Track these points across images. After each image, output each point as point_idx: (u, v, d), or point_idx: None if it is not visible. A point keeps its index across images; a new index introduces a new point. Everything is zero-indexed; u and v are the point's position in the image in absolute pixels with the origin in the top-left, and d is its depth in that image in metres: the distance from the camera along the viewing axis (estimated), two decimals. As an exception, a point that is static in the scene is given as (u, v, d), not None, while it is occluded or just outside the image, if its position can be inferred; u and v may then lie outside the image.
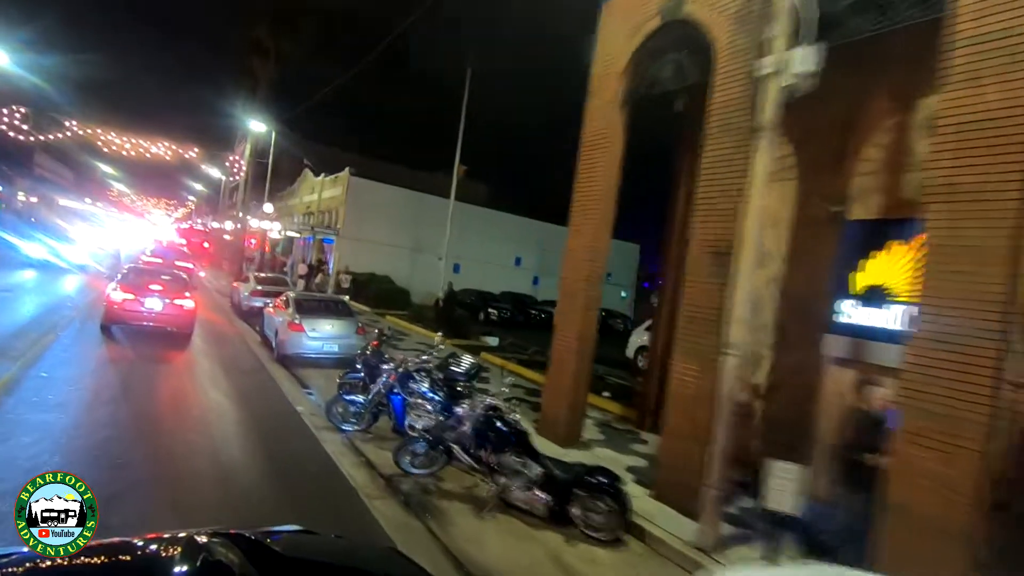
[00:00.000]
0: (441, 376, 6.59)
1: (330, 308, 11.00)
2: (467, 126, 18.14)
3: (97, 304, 13.26)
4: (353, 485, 5.20)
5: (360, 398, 6.71)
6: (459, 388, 6.85)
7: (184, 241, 40.83)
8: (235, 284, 17.82)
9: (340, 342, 10.28)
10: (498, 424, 5.23)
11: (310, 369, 9.94)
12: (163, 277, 10.93)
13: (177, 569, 1.37)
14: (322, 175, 29.35)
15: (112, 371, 7.93)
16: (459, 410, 5.50)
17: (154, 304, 10.03)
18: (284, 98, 27.33)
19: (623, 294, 35.86)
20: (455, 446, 5.58)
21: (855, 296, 6.08)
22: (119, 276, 10.85)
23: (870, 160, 6.26)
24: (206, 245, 44.54)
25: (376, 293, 21.18)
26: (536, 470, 5.04)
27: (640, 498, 5.43)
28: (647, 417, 8.34)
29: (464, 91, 17.17)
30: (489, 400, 5.42)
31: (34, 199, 44.69)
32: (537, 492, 4.96)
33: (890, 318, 5.73)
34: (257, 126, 25.55)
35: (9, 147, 25.23)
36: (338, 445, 6.35)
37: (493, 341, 16.57)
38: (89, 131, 23.45)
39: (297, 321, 10.03)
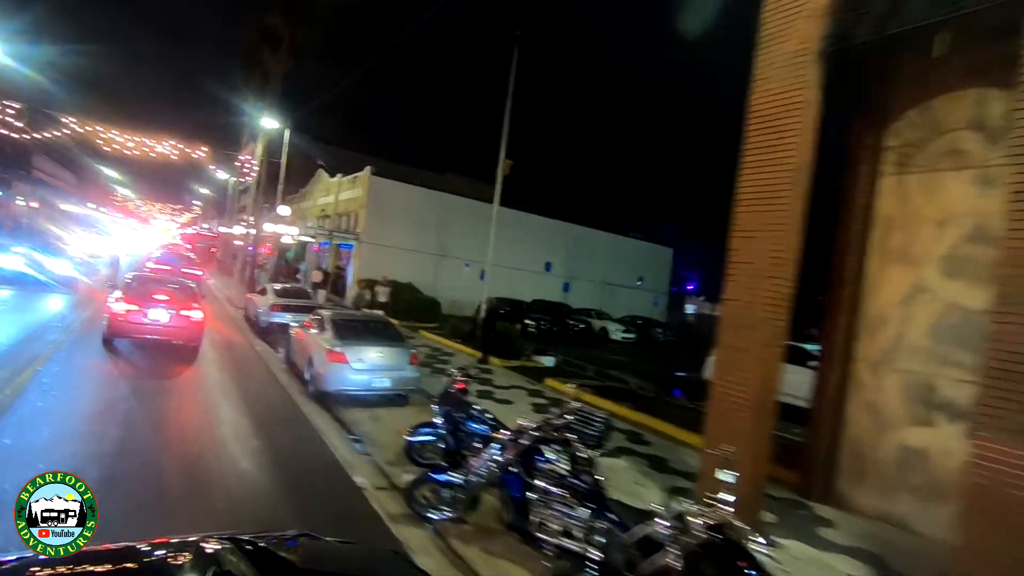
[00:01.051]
0: (585, 453, 4.51)
1: (375, 331, 8.98)
2: (480, 124, 16.14)
3: (92, 323, 11.32)
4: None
5: (457, 477, 4.66)
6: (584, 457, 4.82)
7: (191, 247, 38.99)
8: (250, 296, 15.83)
9: (391, 375, 8.25)
10: (733, 556, 3.18)
11: (354, 409, 7.92)
12: (169, 286, 10.22)
13: (177, 572, 1.40)
14: (338, 176, 27.40)
15: (101, 428, 5.90)
16: (664, 529, 3.43)
17: (160, 315, 9.17)
18: (297, 93, 25.41)
19: (655, 301, 33.75)
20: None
21: None
22: (122, 285, 10.02)
23: None
24: (213, 250, 42.80)
25: (405, 304, 19.15)
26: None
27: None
28: (815, 483, 6.26)
29: (508, 75, 15.17)
30: (716, 507, 3.34)
31: (34, 204, 42.92)
32: None
33: None
34: (269, 123, 23.61)
35: (4, 147, 23.41)
36: (434, 554, 4.32)
37: (549, 361, 14.53)
38: (89, 129, 21.55)
39: (338, 349, 8.01)
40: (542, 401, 9.71)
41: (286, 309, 13.81)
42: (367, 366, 8.10)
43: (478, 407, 5.63)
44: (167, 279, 11.33)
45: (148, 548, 1.57)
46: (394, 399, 8.50)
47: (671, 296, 34.73)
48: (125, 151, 22.25)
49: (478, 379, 11.03)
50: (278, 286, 15.36)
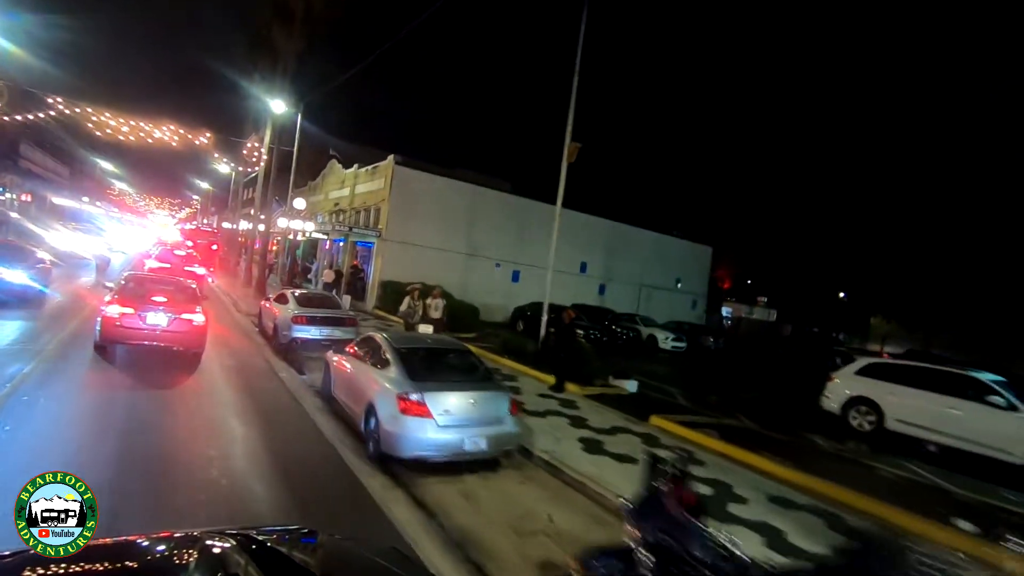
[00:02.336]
0: None
1: (455, 365, 6.59)
2: (495, 114, 13.71)
3: (67, 350, 8.94)
4: None
5: None
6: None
7: (191, 243, 36.51)
8: (265, 304, 13.40)
9: (488, 432, 5.86)
10: None
11: (433, 480, 5.57)
12: (168, 287, 9.52)
13: (180, 568, 1.42)
14: (355, 166, 24.94)
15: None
16: None
17: (158, 319, 8.42)
18: (307, 79, 22.84)
19: (693, 304, 31.33)
20: None
21: None
22: (117, 287, 9.14)
23: None
24: (215, 248, 40.38)
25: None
26: None
27: None
28: None
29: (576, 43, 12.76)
30: None
31: (26, 197, 40.41)
32: None
33: None
34: (279, 107, 21.15)
35: (-16, 132, 20.93)
36: None
37: (631, 386, 12.11)
38: (77, 110, 19.06)
39: (415, 397, 5.61)
40: (662, 452, 7.31)
41: (312, 322, 11.42)
42: (455, 420, 5.70)
43: (721, 535, 3.23)
44: (166, 280, 10.39)
45: (151, 543, 1.59)
46: (481, 460, 6.13)
47: (710, 298, 32.35)
48: (119, 136, 19.78)
49: (566, 415, 8.69)
50: (298, 292, 12.93)
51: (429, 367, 6.18)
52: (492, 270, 23.42)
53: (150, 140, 20.43)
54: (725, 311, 34.57)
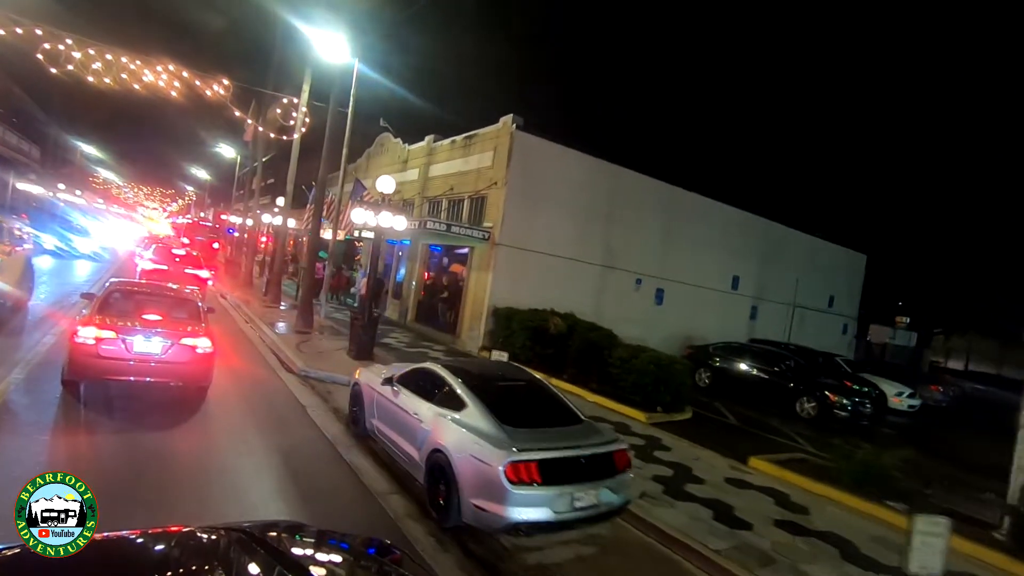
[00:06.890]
0: None
1: None
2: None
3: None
4: None
5: None
6: None
7: (188, 241, 29.19)
8: (384, 393, 6.17)
9: None
10: None
11: None
12: (164, 301, 7.16)
13: (177, 563, 1.44)
14: (429, 139, 17.72)
15: None
16: None
17: (151, 346, 6.28)
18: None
19: (844, 328, 24.31)
20: None
21: None
22: (95, 302, 6.80)
23: None
24: (216, 247, 33.12)
25: (635, 371, 9.77)
26: None
27: None
28: None
29: None
30: None
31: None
32: None
33: None
34: (333, 48, 13.82)
35: None
36: None
37: None
38: (20, 31, 11.78)
39: None
40: None
41: (552, 475, 4.31)
42: None
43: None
44: (160, 291, 7.62)
45: (148, 539, 1.57)
46: None
47: (861, 320, 25.30)
48: (88, 77, 12.51)
49: None
50: (466, 369, 5.78)
51: None
52: (630, 287, 16.35)
53: (137, 86, 13.16)
54: (873, 336, 27.58)
